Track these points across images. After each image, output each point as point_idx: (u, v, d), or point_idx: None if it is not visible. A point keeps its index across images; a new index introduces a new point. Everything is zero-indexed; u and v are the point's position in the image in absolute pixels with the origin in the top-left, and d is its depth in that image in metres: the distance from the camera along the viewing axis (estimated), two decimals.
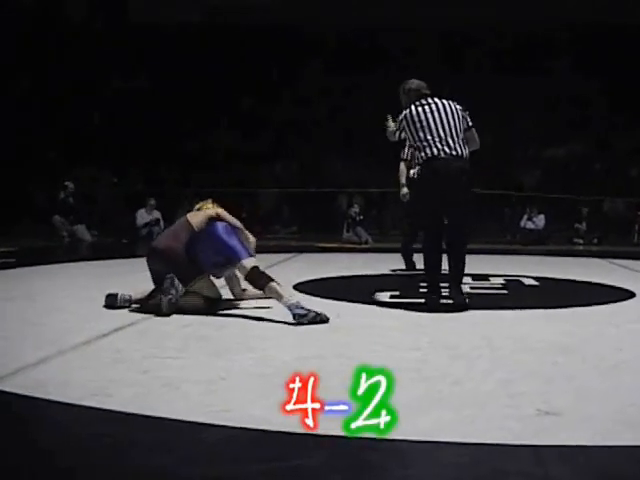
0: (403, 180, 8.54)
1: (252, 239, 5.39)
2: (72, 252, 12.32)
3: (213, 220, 5.25)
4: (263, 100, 20.30)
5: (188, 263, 5.12)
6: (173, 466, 2.22)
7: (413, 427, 2.55)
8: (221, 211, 5.35)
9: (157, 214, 15.42)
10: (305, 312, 4.66)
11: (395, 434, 2.46)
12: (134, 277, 7.96)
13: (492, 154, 18.04)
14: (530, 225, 15.66)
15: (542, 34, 20.72)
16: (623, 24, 19.85)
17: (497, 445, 2.40)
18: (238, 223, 5.34)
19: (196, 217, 5.33)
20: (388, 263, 9.10)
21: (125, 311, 5.11)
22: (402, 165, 8.61)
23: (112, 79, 21.15)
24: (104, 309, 5.23)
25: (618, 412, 2.76)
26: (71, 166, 17.64)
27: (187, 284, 5.11)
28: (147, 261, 5.36)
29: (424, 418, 2.67)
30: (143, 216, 15.26)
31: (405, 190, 8.43)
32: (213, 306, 5.15)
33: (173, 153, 19.00)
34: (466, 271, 8.00)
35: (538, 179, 17.78)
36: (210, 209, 5.40)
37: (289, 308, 4.73)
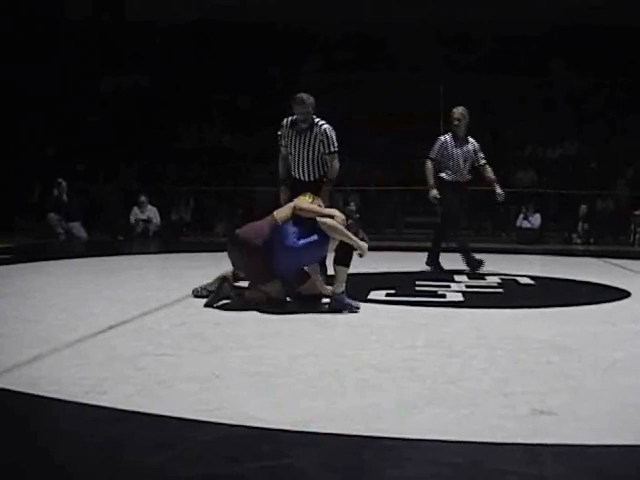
0: (431, 181, 8.08)
1: (337, 217, 5.23)
2: (67, 249, 12.30)
3: (292, 215, 5.26)
4: (260, 98, 20.28)
5: (265, 264, 5.13)
6: (167, 464, 2.21)
7: (408, 426, 2.55)
8: (300, 203, 5.33)
9: (152, 211, 15.42)
10: (342, 307, 5.09)
11: (390, 433, 2.46)
12: (129, 274, 7.97)
13: (489, 154, 18.07)
14: (526, 224, 15.68)
15: (538, 34, 20.71)
16: (619, 25, 19.88)
17: (492, 444, 2.39)
18: (316, 209, 5.27)
19: (282, 210, 5.38)
20: (384, 261, 9.09)
21: (119, 309, 5.10)
22: (429, 164, 8.13)
23: (109, 77, 21.10)
24: (98, 307, 5.21)
25: (613, 412, 2.76)
26: (68, 164, 17.61)
27: (262, 282, 5.17)
28: (228, 247, 5.40)
29: (419, 417, 2.67)
30: (136, 213, 15.29)
31: (435, 192, 8.02)
32: (273, 306, 5.12)
33: (170, 150, 18.98)
34: (462, 269, 8.04)
35: (534, 178, 17.79)
36: (301, 201, 5.39)
37: (332, 296, 5.15)
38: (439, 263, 8.22)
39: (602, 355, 3.78)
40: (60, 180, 14.56)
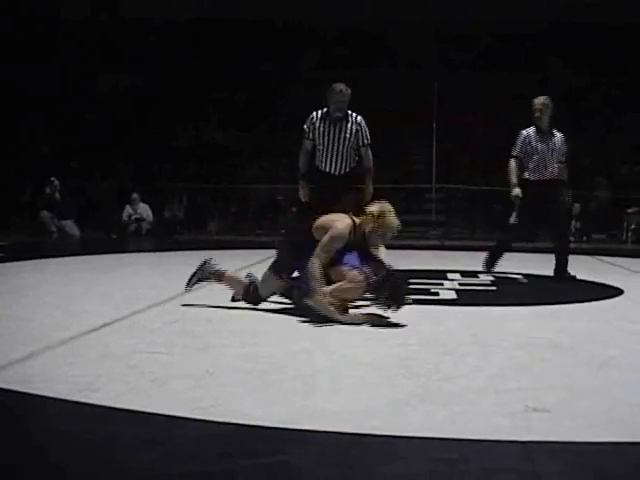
0: (514, 179, 7.28)
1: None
2: (60, 247, 12.26)
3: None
4: (255, 95, 20.26)
5: (286, 261, 4.97)
6: (160, 461, 2.20)
7: (402, 423, 2.55)
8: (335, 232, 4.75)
9: (144, 209, 15.40)
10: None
11: (384, 430, 2.45)
12: (122, 272, 7.96)
13: (482, 151, 18.10)
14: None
15: (535, 32, 20.72)
16: (615, 23, 19.92)
17: (486, 441, 2.39)
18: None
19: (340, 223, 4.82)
20: None
21: (112, 307, 5.09)
22: (512, 162, 7.38)
23: (106, 76, 21.05)
24: (91, 305, 5.20)
25: (607, 409, 2.76)
26: (62, 162, 17.57)
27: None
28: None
29: (413, 414, 2.66)
30: (128, 211, 15.29)
31: (518, 190, 7.21)
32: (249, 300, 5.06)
33: (165, 148, 18.95)
34: (456, 267, 8.07)
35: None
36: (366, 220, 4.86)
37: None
38: (494, 264, 7.56)
39: (596, 352, 3.79)
40: (53, 178, 14.53)
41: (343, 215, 4.94)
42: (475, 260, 9.42)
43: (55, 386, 2.97)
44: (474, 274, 7.67)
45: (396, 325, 4.54)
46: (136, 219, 15.23)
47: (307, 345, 3.87)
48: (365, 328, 4.42)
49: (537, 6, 19.84)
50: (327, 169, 6.23)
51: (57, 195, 14.44)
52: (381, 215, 4.86)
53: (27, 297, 5.65)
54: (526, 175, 7.27)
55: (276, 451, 2.29)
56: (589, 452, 2.33)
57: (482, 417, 2.63)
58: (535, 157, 7.23)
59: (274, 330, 4.32)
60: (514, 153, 7.36)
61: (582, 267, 8.80)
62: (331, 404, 2.77)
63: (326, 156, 6.20)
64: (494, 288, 6.76)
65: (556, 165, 7.26)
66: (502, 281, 7.25)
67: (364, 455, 2.29)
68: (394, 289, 4.50)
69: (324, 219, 4.90)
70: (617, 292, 6.38)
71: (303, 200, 6.36)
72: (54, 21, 21.65)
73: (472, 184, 16.95)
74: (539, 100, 7.34)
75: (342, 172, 6.20)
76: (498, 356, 3.66)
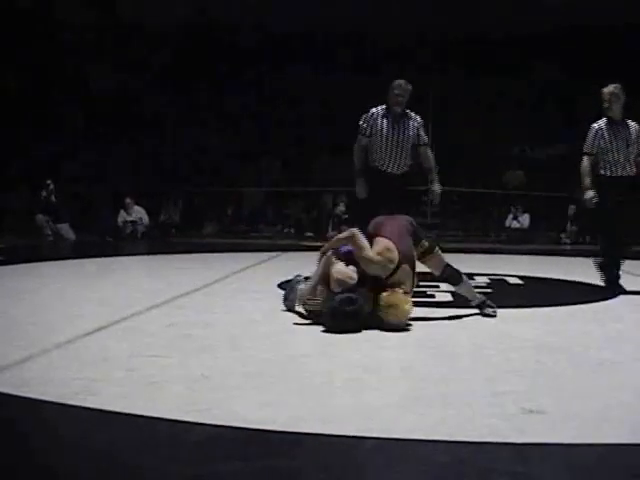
0: (588, 181, 6.55)
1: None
2: (56, 250, 12.25)
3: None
4: (249, 98, 20.27)
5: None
6: (157, 465, 2.21)
7: (397, 426, 2.55)
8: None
9: (140, 212, 15.39)
10: None
11: (379, 432, 2.46)
12: (118, 275, 7.95)
13: (478, 153, 18.14)
14: (515, 224, 15.74)
15: (530, 35, 20.77)
16: (609, 25, 19.97)
17: (481, 443, 2.40)
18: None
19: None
20: None
21: (109, 310, 5.09)
22: (585, 160, 6.61)
23: (101, 76, 21.04)
24: (87, 308, 5.20)
25: (601, 410, 2.77)
26: (57, 164, 17.56)
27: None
28: None
29: (408, 416, 2.67)
30: (123, 216, 15.29)
31: (591, 193, 6.47)
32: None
33: (160, 150, 18.96)
34: None
35: (522, 178, 17.85)
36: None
37: None
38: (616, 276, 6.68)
39: (590, 354, 3.80)
40: (49, 182, 14.53)
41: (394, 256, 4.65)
42: (471, 262, 9.44)
43: (51, 389, 2.97)
44: (470, 276, 7.66)
45: (391, 327, 4.55)
46: (132, 222, 15.23)
47: (303, 348, 3.88)
48: (362, 331, 4.43)
49: (531, 9, 19.87)
50: (386, 168, 6.11)
51: (53, 198, 14.44)
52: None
53: (23, 300, 5.64)
54: (602, 172, 6.59)
55: (272, 454, 2.30)
56: (583, 454, 2.34)
57: (477, 419, 2.64)
58: (610, 152, 6.55)
59: (271, 333, 4.32)
60: (587, 150, 6.63)
61: (578, 269, 8.83)
62: (327, 407, 2.77)
63: (386, 154, 6.09)
64: (490, 290, 6.76)
65: (632, 160, 6.57)
66: (498, 283, 7.26)
67: (359, 458, 2.30)
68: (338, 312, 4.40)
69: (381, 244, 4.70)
70: (612, 294, 6.38)
71: (361, 197, 6.22)
72: (50, 22, 21.64)
73: (468, 186, 16.98)
74: (608, 89, 6.61)
75: (401, 171, 6.11)
76: (493, 358, 3.67)
